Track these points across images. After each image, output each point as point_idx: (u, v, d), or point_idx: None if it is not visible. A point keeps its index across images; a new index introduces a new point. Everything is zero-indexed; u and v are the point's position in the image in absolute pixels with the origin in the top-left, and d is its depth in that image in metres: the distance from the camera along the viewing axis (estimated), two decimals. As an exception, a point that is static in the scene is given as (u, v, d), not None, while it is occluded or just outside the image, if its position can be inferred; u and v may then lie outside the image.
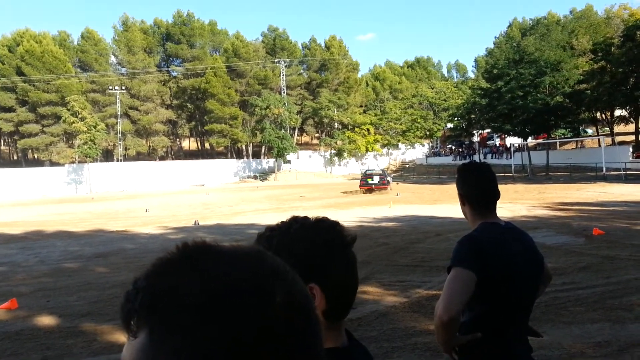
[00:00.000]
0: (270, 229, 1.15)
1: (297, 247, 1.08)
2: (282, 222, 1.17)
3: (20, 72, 65.53)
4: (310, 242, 1.09)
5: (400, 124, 73.51)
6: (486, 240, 2.15)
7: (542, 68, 43.98)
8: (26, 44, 65.95)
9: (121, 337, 5.97)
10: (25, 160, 75.03)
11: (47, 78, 64.76)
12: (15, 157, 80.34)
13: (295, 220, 1.16)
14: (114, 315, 6.83)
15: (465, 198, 2.32)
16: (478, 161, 2.26)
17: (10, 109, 67.49)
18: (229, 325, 0.52)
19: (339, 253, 1.11)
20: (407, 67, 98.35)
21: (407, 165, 71.74)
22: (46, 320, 6.79)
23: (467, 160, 2.70)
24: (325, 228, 1.13)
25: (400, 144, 76.37)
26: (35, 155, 73.48)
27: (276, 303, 0.55)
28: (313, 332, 0.59)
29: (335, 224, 1.15)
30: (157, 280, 0.56)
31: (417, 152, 78.77)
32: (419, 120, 73.70)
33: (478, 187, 2.30)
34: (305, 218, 1.16)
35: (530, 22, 70.99)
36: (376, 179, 33.83)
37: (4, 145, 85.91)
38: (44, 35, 69.74)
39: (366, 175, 34.69)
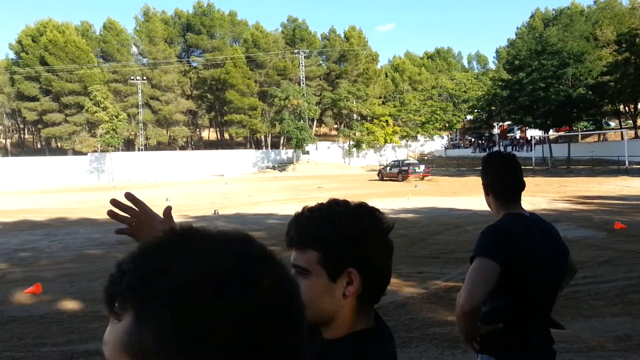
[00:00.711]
0: (309, 210, 1.14)
1: (340, 230, 1.08)
2: (321, 203, 1.15)
3: (43, 62, 66.31)
4: (353, 227, 1.08)
5: (420, 116, 72.98)
6: (510, 230, 2.12)
7: (565, 59, 43.26)
8: (49, 34, 66.67)
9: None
10: (49, 148, 76.18)
11: (70, 68, 65.50)
12: (39, 146, 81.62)
13: (336, 203, 1.15)
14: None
15: (489, 188, 2.30)
16: (503, 151, 2.23)
17: (34, 98, 68.48)
18: (216, 307, 0.52)
19: (378, 239, 1.10)
20: (427, 58, 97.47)
21: (425, 157, 71.26)
22: (70, 305, 6.92)
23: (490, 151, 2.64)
24: (367, 213, 1.12)
25: (419, 136, 75.88)
26: (59, 144, 74.52)
27: (263, 286, 0.56)
28: (298, 316, 0.59)
29: (376, 210, 1.14)
30: (144, 263, 0.56)
31: (436, 144, 78.28)
32: (438, 112, 73.10)
33: (502, 177, 2.28)
34: (346, 202, 1.15)
35: (553, 12, 69.95)
36: (422, 167, 36.31)
37: (28, 134, 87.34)
38: (67, 26, 70.44)
39: (411, 165, 36.68)
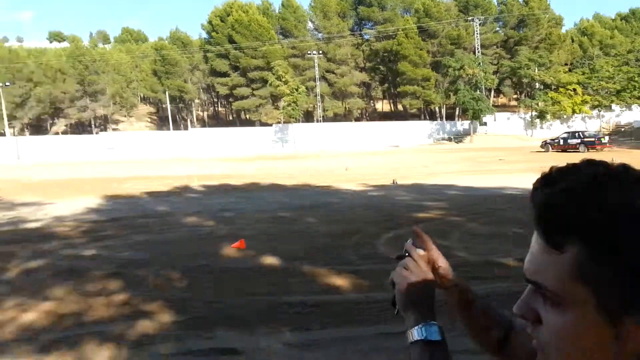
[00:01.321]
0: (560, 171, 0.79)
1: (610, 198, 0.76)
2: (572, 164, 0.80)
3: (231, 40, 72.35)
4: (628, 197, 0.72)
5: (614, 83, 65.36)
6: None
7: None
8: (235, 14, 72.45)
9: (337, 280, 6.44)
10: (240, 120, 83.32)
11: (254, 45, 70.58)
12: (230, 118, 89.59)
13: (593, 163, 0.83)
14: (328, 261, 7.38)
15: None
16: None
17: (225, 74, 75.17)
18: None
19: None
20: (620, 20, 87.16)
21: (622, 129, 63.90)
22: (269, 260, 7.59)
23: None
24: None
25: (613, 105, 68.16)
26: (247, 116, 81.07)
27: None
28: None
29: None
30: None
31: (635, 114, 69.57)
32: (636, 78, 64.77)
33: None
34: (605, 163, 0.84)
35: None
36: (606, 139, 40.30)
37: (221, 107, 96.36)
38: (250, 6, 76.04)
39: (597, 136, 40.42)
